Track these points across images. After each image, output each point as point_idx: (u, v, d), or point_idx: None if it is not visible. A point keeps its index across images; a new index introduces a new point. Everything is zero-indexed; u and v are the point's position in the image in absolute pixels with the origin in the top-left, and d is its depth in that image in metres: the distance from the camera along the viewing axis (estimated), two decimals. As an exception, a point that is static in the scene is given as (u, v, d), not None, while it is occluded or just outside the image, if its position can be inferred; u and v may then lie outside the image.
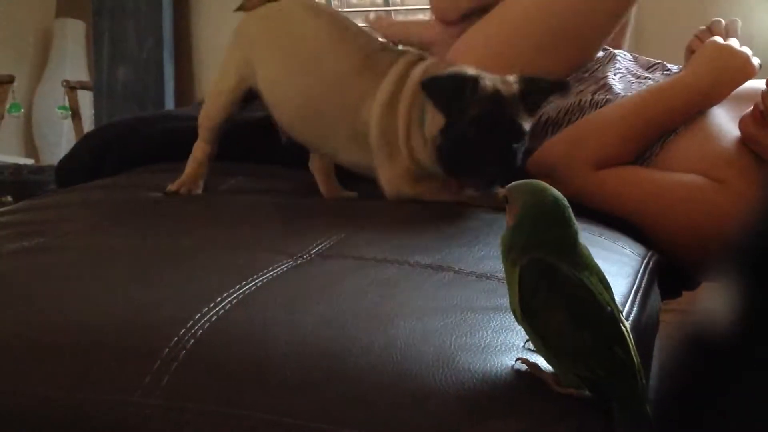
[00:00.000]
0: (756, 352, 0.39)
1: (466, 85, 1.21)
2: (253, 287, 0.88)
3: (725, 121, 1.42)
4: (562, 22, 1.59)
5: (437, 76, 1.25)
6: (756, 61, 1.46)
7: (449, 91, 1.22)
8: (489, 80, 1.23)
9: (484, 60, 1.59)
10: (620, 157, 1.40)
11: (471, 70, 1.25)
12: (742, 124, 1.36)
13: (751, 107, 1.35)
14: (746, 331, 0.39)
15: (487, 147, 1.21)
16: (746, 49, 1.47)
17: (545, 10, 1.60)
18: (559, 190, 0.76)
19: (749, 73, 1.45)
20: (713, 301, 0.41)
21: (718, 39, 1.48)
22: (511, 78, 1.24)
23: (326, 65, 1.36)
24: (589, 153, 1.40)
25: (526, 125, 1.24)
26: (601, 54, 1.63)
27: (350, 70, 1.34)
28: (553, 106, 1.54)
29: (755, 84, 1.45)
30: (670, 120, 1.42)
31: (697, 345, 0.42)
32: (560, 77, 1.42)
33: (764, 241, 0.41)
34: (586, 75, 1.58)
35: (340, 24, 1.39)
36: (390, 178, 1.31)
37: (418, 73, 1.29)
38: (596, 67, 1.59)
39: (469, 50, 1.65)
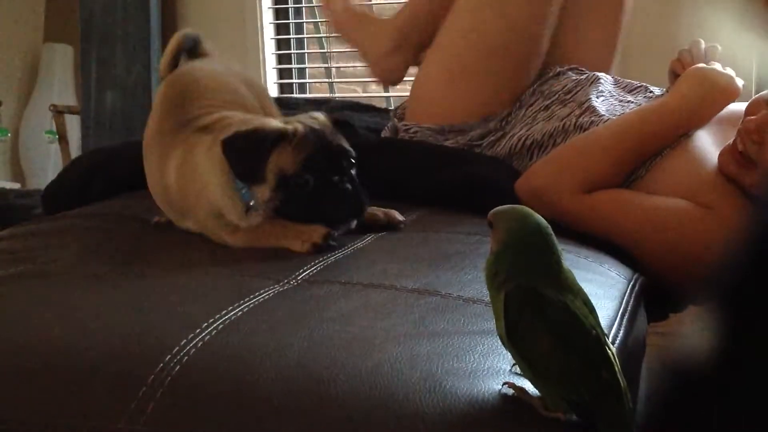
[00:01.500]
0: (736, 378, 0.39)
1: (264, 140, 1.16)
2: (240, 312, 0.88)
3: (709, 144, 1.42)
4: (497, 40, 1.63)
5: (234, 137, 1.18)
6: (740, 82, 1.47)
7: (250, 151, 1.17)
8: (295, 124, 1.19)
9: (443, 95, 1.64)
10: (607, 180, 1.41)
11: (272, 123, 1.20)
12: (722, 161, 1.36)
13: (732, 139, 1.35)
14: (727, 357, 0.39)
15: (330, 186, 1.18)
16: (730, 71, 1.48)
17: (477, 35, 1.64)
18: (546, 213, 0.76)
19: (732, 95, 1.46)
20: (696, 326, 0.41)
21: (702, 65, 1.49)
22: (317, 114, 1.23)
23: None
24: (576, 176, 1.40)
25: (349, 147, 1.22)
26: (583, 77, 1.64)
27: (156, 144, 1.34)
28: (538, 128, 1.55)
29: (738, 106, 1.46)
30: (655, 143, 1.42)
31: (679, 371, 0.42)
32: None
33: (746, 266, 0.41)
34: (569, 97, 1.59)
35: (176, 92, 1.37)
36: (214, 235, 1.24)
37: (208, 140, 1.24)
38: (578, 89, 1.60)
39: (424, 94, 1.70)
